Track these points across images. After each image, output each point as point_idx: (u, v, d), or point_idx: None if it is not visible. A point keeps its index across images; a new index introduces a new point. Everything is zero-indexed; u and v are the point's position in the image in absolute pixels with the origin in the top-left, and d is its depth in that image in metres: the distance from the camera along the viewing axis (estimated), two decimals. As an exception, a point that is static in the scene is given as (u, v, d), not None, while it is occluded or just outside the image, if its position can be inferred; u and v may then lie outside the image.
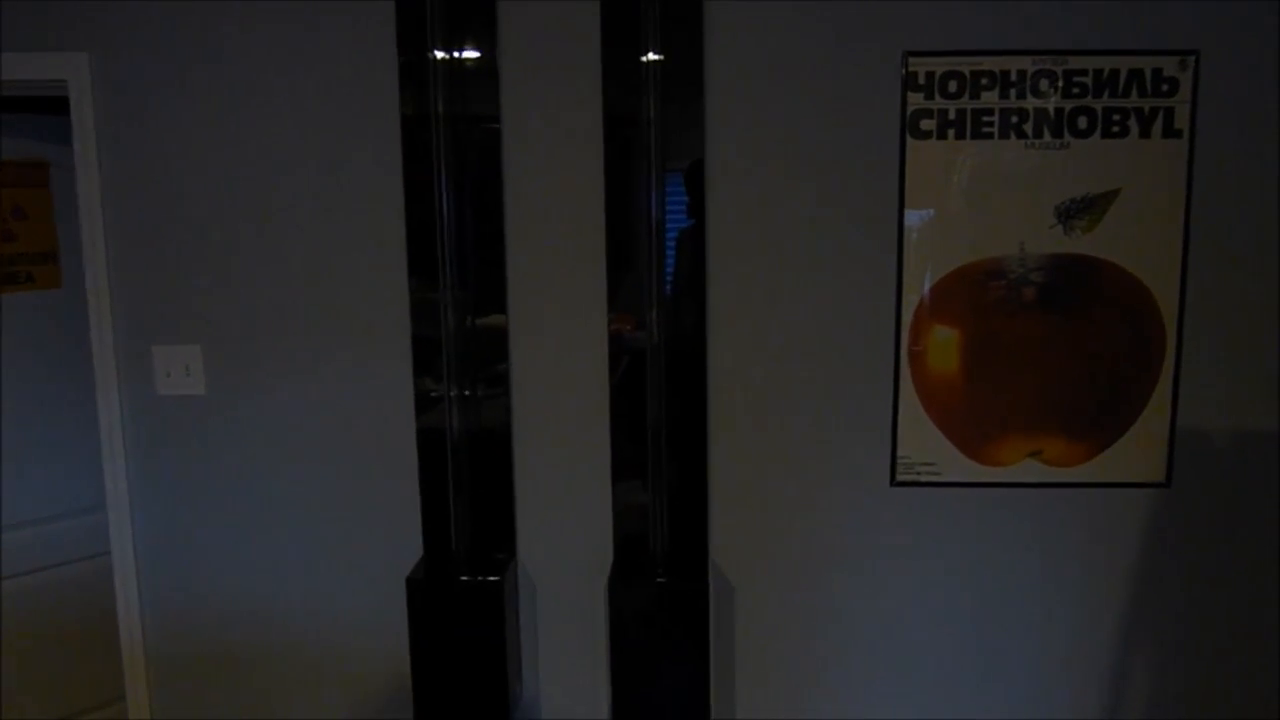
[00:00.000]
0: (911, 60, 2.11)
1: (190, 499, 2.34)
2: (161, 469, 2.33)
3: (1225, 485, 2.24)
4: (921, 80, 2.12)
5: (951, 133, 2.12)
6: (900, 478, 2.26)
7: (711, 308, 2.22)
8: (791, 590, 2.32)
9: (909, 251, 2.18)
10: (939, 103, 2.12)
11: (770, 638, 2.34)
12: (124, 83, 2.20)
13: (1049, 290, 2.17)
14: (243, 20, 2.17)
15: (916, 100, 2.12)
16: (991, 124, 2.11)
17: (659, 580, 2.17)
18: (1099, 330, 2.18)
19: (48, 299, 2.78)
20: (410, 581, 2.18)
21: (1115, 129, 2.11)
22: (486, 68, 2.16)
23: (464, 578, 2.18)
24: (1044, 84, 2.10)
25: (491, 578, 2.17)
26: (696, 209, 2.18)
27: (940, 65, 2.11)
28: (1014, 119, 2.11)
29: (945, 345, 2.21)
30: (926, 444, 2.24)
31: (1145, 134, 2.11)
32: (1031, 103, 2.11)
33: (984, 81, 2.11)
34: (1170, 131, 2.11)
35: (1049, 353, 2.19)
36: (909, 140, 2.14)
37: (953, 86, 2.11)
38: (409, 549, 2.33)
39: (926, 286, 2.19)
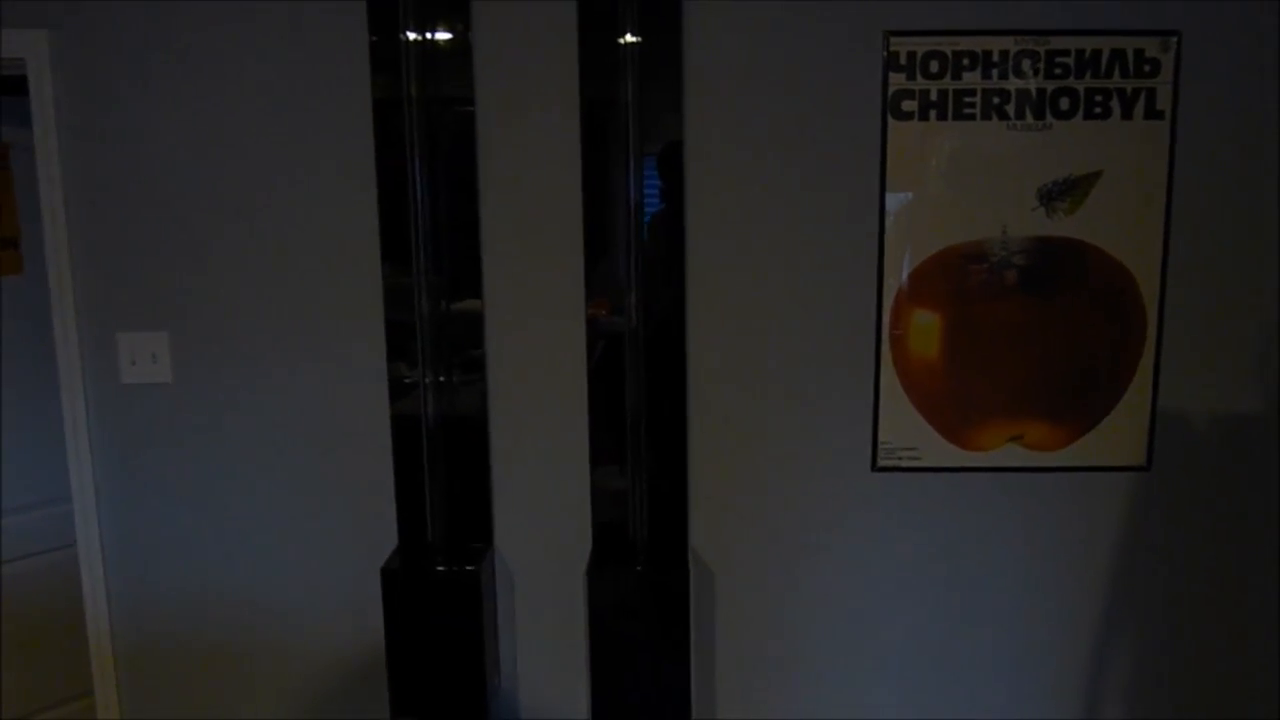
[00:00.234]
0: (893, 40, 2.09)
1: (158, 489, 2.29)
2: (128, 459, 2.27)
3: (1205, 468, 2.24)
4: (903, 60, 2.09)
5: (933, 113, 2.10)
6: (881, 463, 2.24)
7: (690, 292, 2.19)
8: (773, 577, 2.30)
9: (890, 234, 2.15)
10: (920, 83, 2.09)
11: (751, 624, 2.32)
12: (85, 61, 2.14)
13: (1030, 273, 2.15)
14: (208, -3, 2.11)
15: (898, 81, 2.10)
16: (974, 105, 2.09)
17: (638, 569, 2.14)
18: (1080, 313, 2.17)
19: (8, 285, 2.71)
20: (385, 572, 2.14)
21: (1097, 110, 2.09)
22: (460, 48, 2.12)
23: (440, 568, 2.15)
24: (1026, 64, 2.08)
25: (468, 567, 2.14)
26: (670, 193, 2.15)
27: (922, 45, 2.08)
28: (996, 100, 2.09)
29: (926, 329, 2.19)
30: (908, 429, 2.23)
31: (1127, 115, 2.10)
32: (1013, 83, 2.09)
33: (965, 62, 2.08)
34: (1152, 113, 2.10)
35: (1030, 336, 2.18)
36: (890, 121, 2.11)
37: (934, 67, 2.09)
38: (384, 538, 2.29)
39: (907, 270, 2.17)
